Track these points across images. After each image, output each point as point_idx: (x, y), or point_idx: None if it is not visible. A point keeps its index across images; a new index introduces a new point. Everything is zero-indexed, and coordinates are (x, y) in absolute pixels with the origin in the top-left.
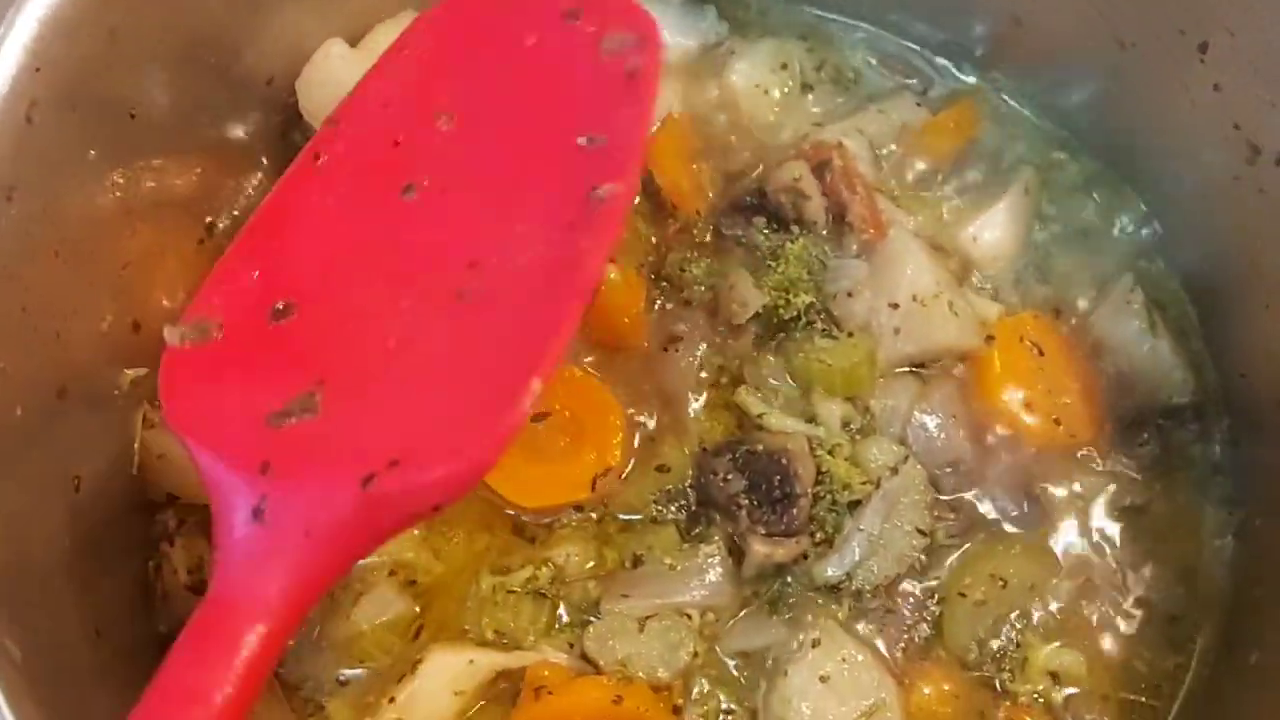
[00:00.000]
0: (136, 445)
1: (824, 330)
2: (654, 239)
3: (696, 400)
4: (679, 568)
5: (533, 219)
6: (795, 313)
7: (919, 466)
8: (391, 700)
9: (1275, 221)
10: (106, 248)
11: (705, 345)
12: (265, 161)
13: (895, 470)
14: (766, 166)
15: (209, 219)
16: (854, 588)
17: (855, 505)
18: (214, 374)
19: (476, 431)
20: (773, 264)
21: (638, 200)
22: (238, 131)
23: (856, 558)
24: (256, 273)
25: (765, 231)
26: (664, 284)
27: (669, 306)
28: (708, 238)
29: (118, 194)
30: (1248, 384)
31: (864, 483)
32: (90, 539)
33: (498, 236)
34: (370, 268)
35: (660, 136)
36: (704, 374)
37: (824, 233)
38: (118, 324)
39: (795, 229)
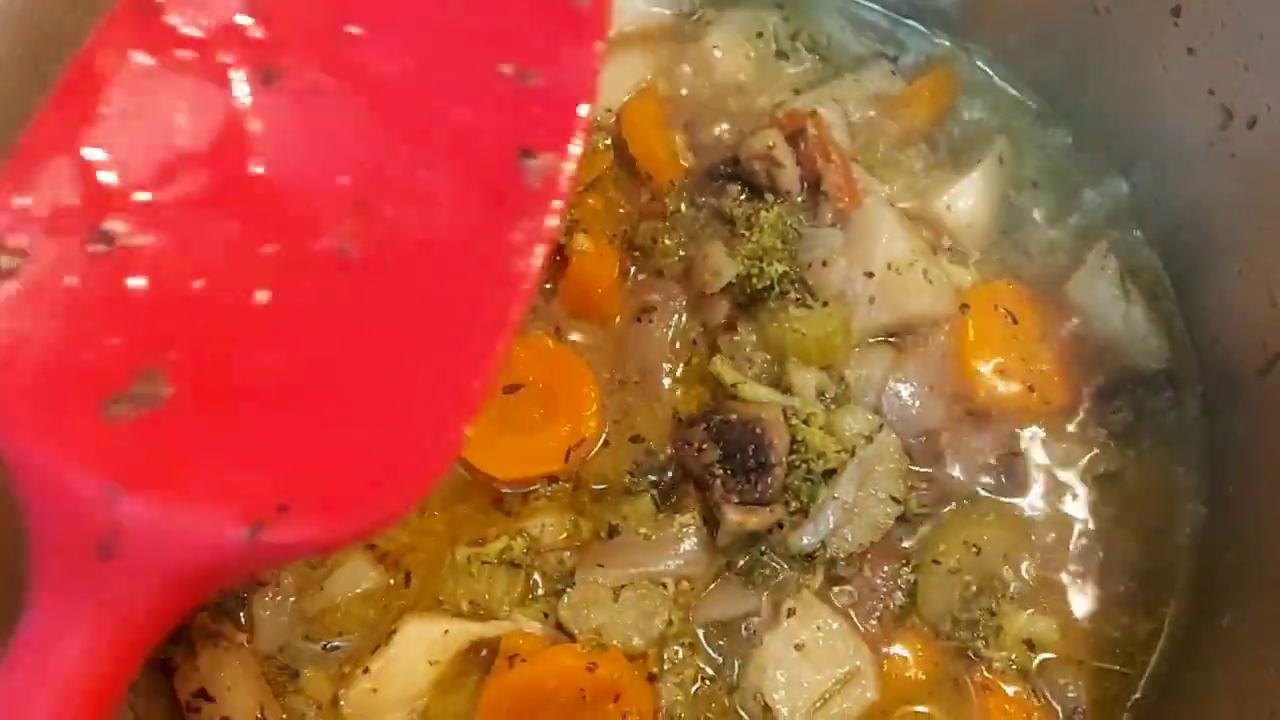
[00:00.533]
0: None
1: (798, 300)
2: (627, 208)
3: (671, 370)
4: (654, 537)
5: (442, 164)
6: (769, 281)
7: (893, 435)
8: (366, 670)
9: (1248, 186)
10: None
11: (679, 315)
12: None
13: (870, 439)
14: (741, 135)
15: None
16: (829, 556)
17: (830, 474)
18: (19, 325)
19: (391, 479)
20: (746, 233)
21: (611, 168)
22: None
23: (831, 526)
24: (65, 169)
25: (739, 200)
26: (637, 254)
27: (642, 277)
28: (682, 207)
29: None
30: (1221, 350)
31: (839, 451)
32: None
33: (393, 176)
34: (219, 184)
35: (635, 105)
36: (678, 344)
37: (799, 201)
38: None
39: (769, 197)
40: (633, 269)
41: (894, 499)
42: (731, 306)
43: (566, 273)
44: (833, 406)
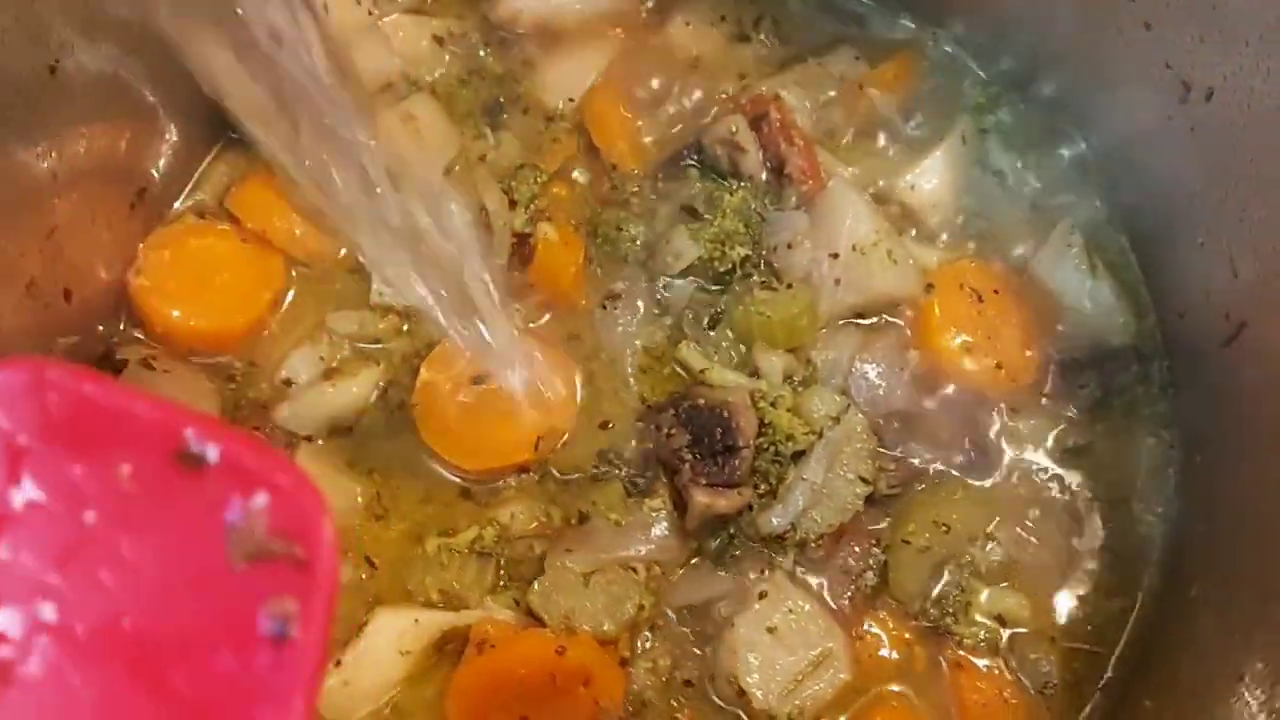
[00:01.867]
0: None
1: (764, 283)
2: (591, 197)
3: (635, 357)
4: (624, 523)
5: None
6: (730, 264)
7: (860, 415)
8: (338, 663)
9: (1207, 159)
10: (31, 211)
11: (643, 301)
12: (193, 129)
13: (837, 420)
14: (703, 120)
15: (139, 185)
16: (799, 538)
17: (799, 456)
18: None
19: None
20: (710, 216)
21: (576, 156)
22: (166, 96)
23: (800, 507)
24: None
25: (701, 184)
26: (600, 241)
27: (606, 265)
28: (645, 193)
29: (42, 157)
30: (1186, 323)
31: (807, 433)
32: None
33: None
34: None
35: (597, 93)
36: (644, 330)
37: (763, 183)
38: (47, 291)
39: (732, 181)
40: (596, 256)
41: (863, 479)
42: (695, 290)
43: (534, 262)
44: (800, 389)
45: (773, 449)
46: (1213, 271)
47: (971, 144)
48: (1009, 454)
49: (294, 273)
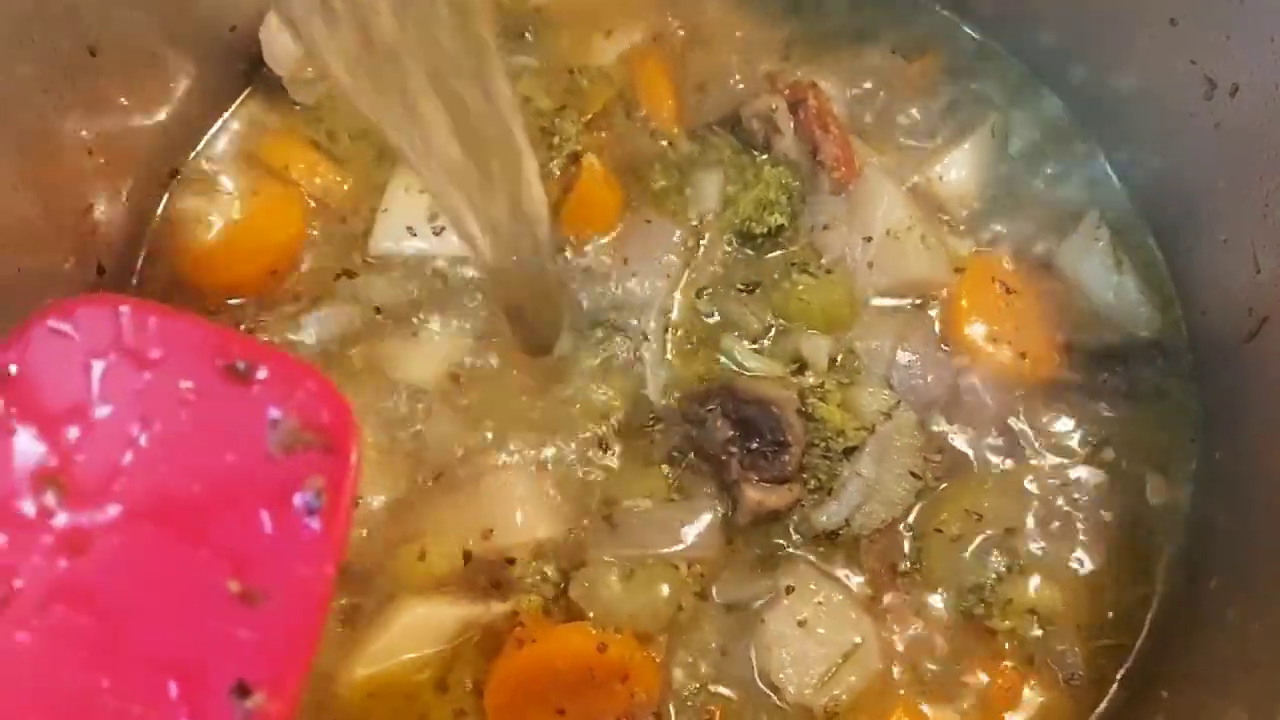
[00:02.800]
0: None
1: (802, 265)
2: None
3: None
4: (668, 518)
5: (152, 696)
6: (767, 229)
7: (910, 412)
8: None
9: (1230, 156)
10: (68, 188)
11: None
12: (227, 109)
13: (889, 415)
14: (741, 94)
15: (173, 165)
16: (853, 534)
17: (851, 451)
18: None
19: None
20: (752, 179)
21: (615, 103)
22: (200, 76)
23: (856, 503)
24: None
25: (735, 154)
26: (640, 187)
27: (643, 210)
28: (683, 151)
29: (80, 132)
30: (1208, 319)
31: (858, 429)
32: None
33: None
34: None
35: (641, 52)
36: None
37: (795, 165)
38: (81, 266)
39: (764, 157)
40: (634, 201)
41: (913, 474)
42: (730, 251)
43: (575, 190)
44: (847, 382)
45: (823, 444)
46: (1235, 267)
47: (1000, 136)
48: (1034, 443)
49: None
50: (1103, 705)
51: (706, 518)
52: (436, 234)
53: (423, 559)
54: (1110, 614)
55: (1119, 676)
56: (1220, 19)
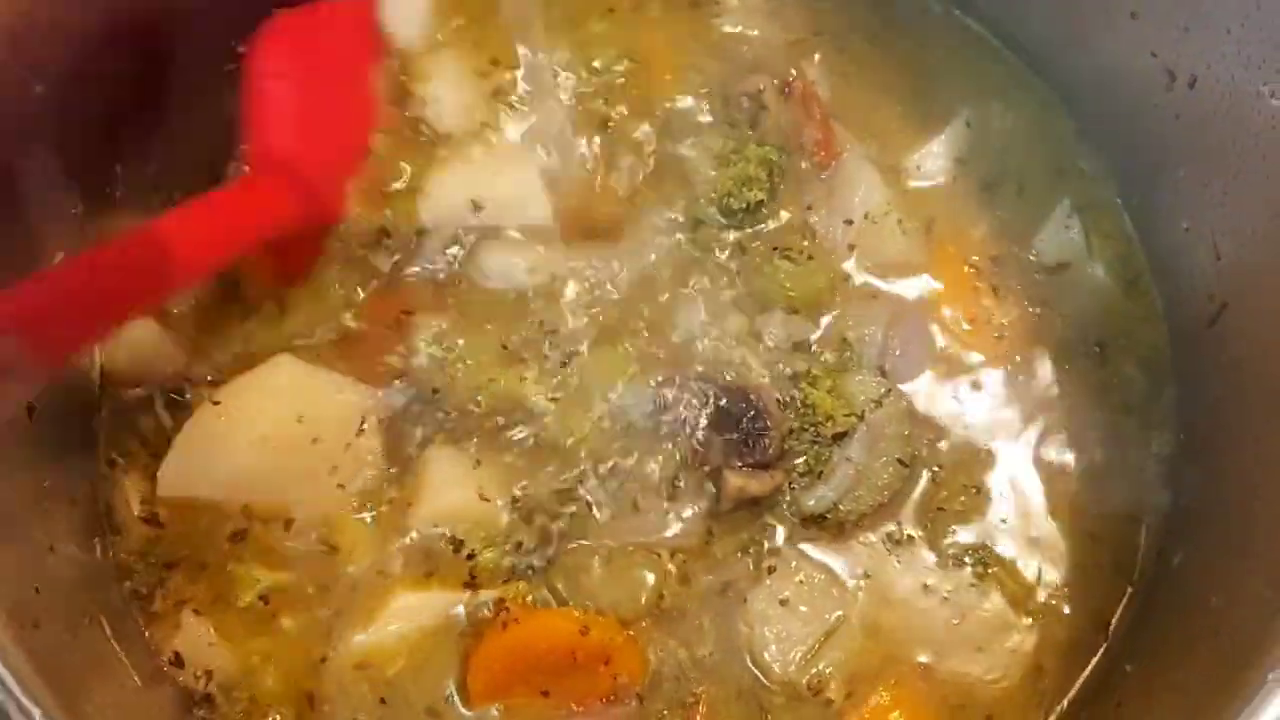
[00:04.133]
0: None
1: (784, 251)
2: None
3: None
4: (649, 504)
5: None
6: (746, 204)
7: (902, 400)
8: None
9: (1191, 146)
10: None
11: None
12: None
13: (879, 403)
14: (730, 77)
15: None
16: (840, 518)
17: (840, 437)
18: None
19: None
20: (735, 157)
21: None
22: None
23: (846, 488)
24: None
25: (715, 126)
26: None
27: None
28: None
29: None
30: (1174, 305)
31: (847, 415)
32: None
33: None
34: None
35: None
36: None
37: (780, 148)
38: None
39: (750, 133)
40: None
41: (900, 462)
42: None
43: None
44: (837, 368)
45: (813, 430)
46: (1198, 254)
47: (977, 126)
48: (1011, 427)
49: None
50: (1079, 682)
51: (690, 503)
52: None
53: None
54: (1085, 594)
55: (1096, 653)
56: (1178, 11)
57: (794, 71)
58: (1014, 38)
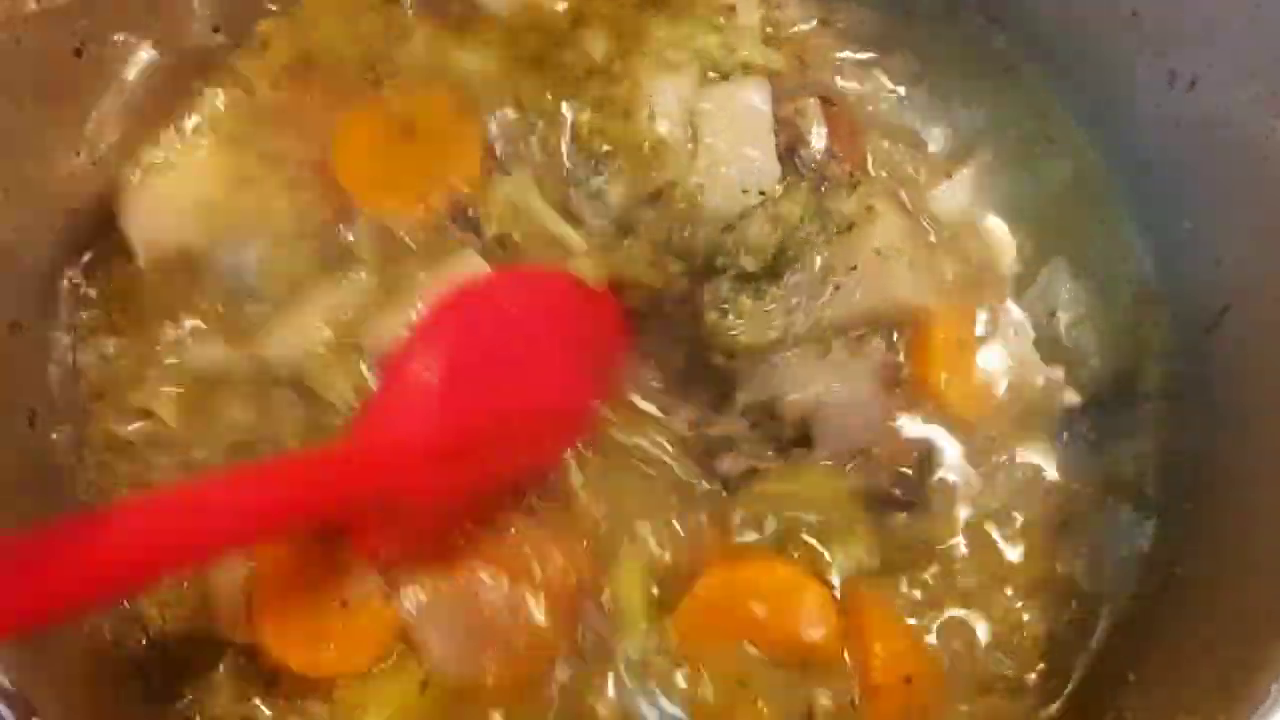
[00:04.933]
0: None
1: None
2: None
3: None
4: None
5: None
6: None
7: None
8: None
9: (1192, 148)
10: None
11: None
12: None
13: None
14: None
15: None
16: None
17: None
18: None
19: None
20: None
21: None
22: None
23: None
24: None
25: None
26: None
27: None
28: None
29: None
30: (1174, 308)
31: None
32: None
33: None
34: None
35: None
36: None
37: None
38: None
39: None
40: None
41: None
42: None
43: None
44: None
45: None
46: (1199, 258)
47: (1000, 163)
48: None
49: None
50: (1070, 687)
51: None
52: None
53: None
54: (1074, 603)
55: (1087, 661)
56: (1179, 11)
57: None
58: (1009, 41)
